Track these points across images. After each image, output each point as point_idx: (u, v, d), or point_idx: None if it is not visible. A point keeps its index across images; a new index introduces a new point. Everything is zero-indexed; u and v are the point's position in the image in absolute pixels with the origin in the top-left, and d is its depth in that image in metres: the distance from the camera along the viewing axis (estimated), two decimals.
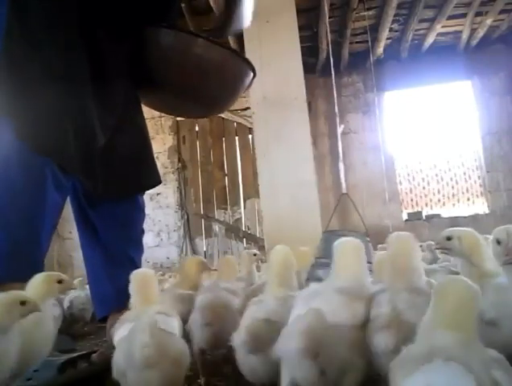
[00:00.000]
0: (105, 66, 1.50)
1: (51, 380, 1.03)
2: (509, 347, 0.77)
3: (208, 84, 1.68)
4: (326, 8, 5.32)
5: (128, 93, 1.62)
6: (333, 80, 4.29)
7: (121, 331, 0.94)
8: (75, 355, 1.21)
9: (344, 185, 3.95)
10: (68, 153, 1.38)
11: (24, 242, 1.29)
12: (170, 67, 1.61)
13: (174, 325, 0.93)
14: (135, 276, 1.11)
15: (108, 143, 1.49)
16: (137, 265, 1.79)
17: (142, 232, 1.84)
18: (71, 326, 1.95)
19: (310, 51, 6.84)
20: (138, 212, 1.80)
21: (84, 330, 2.10)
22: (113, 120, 1.51)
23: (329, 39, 4.72)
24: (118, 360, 0.86)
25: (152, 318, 0.88)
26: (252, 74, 1.81)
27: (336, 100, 4.34)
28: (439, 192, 8.50)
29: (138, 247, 1.81)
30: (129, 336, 0.86)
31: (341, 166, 4.07)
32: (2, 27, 1.32)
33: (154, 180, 1.79)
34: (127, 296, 1.67)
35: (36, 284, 1.08)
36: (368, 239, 2.19)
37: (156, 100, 1.85)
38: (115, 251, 1.69)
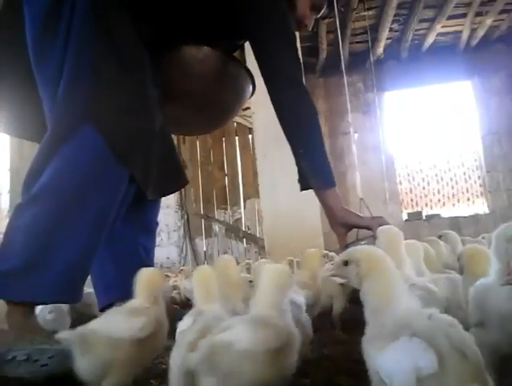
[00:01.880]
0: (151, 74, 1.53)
1: (66, 367, 1.01)
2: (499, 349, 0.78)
3: (223, 98, 1.72)
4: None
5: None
6: (345, 79, 4.29)
7: (185, 323, 0.96)
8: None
9: (359, 189, 3.95)
10: (147, 167, 1.40)
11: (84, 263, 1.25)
12: (187, 78, 1.64)
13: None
14: (196, 273, 1.13)
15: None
16: (151, 256, 1.80)
17: (157, 224, 1.87)
18: (79, 321, 1.94)
19: (310, 51, 6.84)
20: (159, 206, 1.84)
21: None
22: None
23: (339, 33, 4.70)
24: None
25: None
26: (252, 90, 1.84)
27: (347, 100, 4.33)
28: (439, 192, 8.50)
29: (154, 238, 1.87)
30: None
31: (357, 174, 4.09)
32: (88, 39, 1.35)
33: (185, 178, 1.82)
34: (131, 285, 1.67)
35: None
36: None
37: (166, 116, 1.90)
38: (129, 241, 1.68)
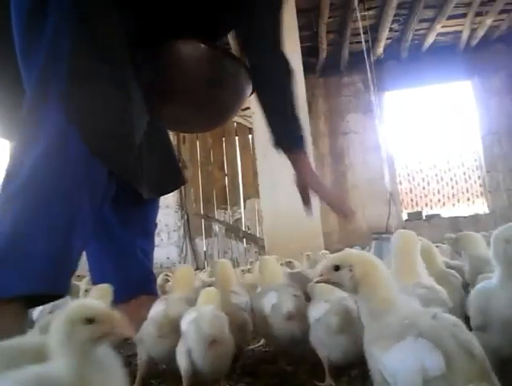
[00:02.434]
0: (141, 72, 1.51)
1: None
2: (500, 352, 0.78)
3: (222, 97, 1.70)
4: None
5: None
6: (372, 75, 4.29)
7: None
8: None
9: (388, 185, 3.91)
10: (128, 164, 1.37)
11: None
12: (186, 77, 1.61)
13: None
14: (215, 265, 1.27)
15: (145, 144, 1.50)
16: (150, 258, 1.80)
17: (156, 225, 1.90)
18: None
19: (310, 51, 6.84)
20: (157, 208, 1.85)
21: None
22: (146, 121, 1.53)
23: (361, 28, 4.70)
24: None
25: None
26: (251, 85, 1.82)
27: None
28: (439, 192, 8.50)
29: (152, 240, 1.88)
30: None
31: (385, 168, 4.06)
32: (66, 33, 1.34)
33: (183, 177, 1.82)
34: (135, 286, 1.66)
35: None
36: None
37: (166, 112, 1.87)
38: (127, 244, 1.68)
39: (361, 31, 4.78)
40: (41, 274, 1.09)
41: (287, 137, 1.67)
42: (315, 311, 1.12)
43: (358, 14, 5.18)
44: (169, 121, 1.98)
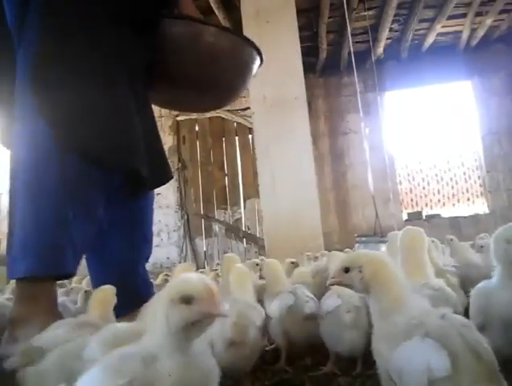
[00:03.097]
0: (128, 61, 1.50)
1: None
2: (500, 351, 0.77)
3: (221, 73, 1.65)
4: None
5: (143, 89, 1.62)
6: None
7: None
8: None
9: (372, 189, 3.92)
10: (130, 157, 1.41)
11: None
12: (182, 58, 1.58)
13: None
14: (233, 271, 1.25)
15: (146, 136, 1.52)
16: (144, 267, 1.78)
17: (152, 234, 1.86)
18: None
19: (310, 51, 6.84)
20: (152, 210, 1.84)
21: None
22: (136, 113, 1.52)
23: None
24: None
25: None
26: (260, 60, 1.77)
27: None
28: (439, 192, 8.50)
29: (150, 246, 1.82)
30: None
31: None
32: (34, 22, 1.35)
33: (170, 173, 1.81)
34: (134, 301, 1.66)
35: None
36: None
37: (168, 97, 1.82)
38: (128, 260, 1.68)
39: (349, 30, 4.76)
40: (40, 260, 1.26)
41: None
42: (327, 305, 1.15)
43: (347, 14, 5.17)
44: (172, 103, 1.96)
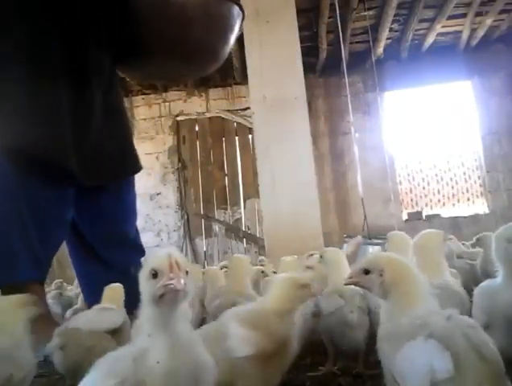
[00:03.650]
0: (81, 52, 1.45)
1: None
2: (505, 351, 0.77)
3: (199, 33, 1.55)
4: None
5: (105, 75, 1.55)
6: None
7: None
8: None
9: (361, 190, 3.92)
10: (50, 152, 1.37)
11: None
12: (153, 27, 1.50)
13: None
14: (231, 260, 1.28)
15: (86, 130, 1.45)
16: (134, 268, 1.74)
17: (133, 227, 1.79)
18: None
19: (310, 51, 6.83)
20: (124, 209, 1.74)
21: None
22: (88, 108, 1.47)
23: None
24: None
25: None
26: (240, 13, 1.66)
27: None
28: (439, 192, 8.49)
29: (135, 249, 1.75)
30: None
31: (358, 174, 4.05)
32: None
33: (136, 166, 1.74)
34: (128, 301, 1.66)
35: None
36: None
37: (149, 70, 1.75)
38: (108, 258, 1.66)
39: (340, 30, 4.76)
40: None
41: None
42: (329, 305, 1.15)
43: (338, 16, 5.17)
44: (157, 76, 1.88)
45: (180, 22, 1.50)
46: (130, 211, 1.77)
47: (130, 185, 1.76)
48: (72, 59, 1.43)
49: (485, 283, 0.91)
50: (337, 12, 4.78)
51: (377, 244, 2.56)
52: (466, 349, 0.60)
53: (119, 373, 0.58)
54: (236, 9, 1.63)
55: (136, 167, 1.74)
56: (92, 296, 1.67)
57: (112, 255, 1.66)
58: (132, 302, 1.65)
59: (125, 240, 1.72)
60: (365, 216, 4.18)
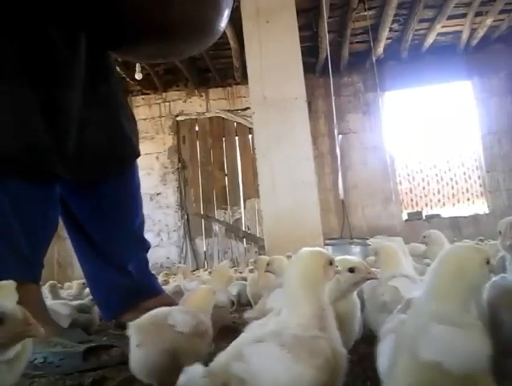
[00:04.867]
0: (55, 47, 1.36)
1: (77, 367, 1.15)
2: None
3: (188, 8, 1.44)
4: (324, 8, 5.30)
5: (91, 64, 1.47)
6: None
7: None
8: (94, 344, 1.26)
9: (342, 192, 3.93)
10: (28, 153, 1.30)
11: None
12: (139, 8, 1.40)
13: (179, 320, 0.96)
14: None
15: (67, 127, 1.38)
16: (141, 261, 1.71)
17: (140, 223, 1.72)
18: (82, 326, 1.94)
19: (310, 51, 6.84)
20: (126, 199, 1.67)
21: (98, 327, 2.08)
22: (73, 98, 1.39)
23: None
24: None
25: None
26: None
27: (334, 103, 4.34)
28: (439, 192, 8.49)
29: (137, 243, 1.71)
30: None
31: (339, 175, 4.06)
32: None
33: (131, 155, 1.64)
34: (132, 296, 1.63)
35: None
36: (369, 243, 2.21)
37: (144, 52, 1.67)
38: (111, 254, 1.63)
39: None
40: None
41: None
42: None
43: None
44: (152, 55, 1.77)
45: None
46: (132, 201, 1.69)
47: (131, 174, 1.68)
48: (38, 53, 1.33)
49: (494, 278, 0.89)
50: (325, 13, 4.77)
51: (358, 244, 2.56)
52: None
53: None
54: None
55: (132, 157, 1.64)
56: (100, 293, 1.68)
57: (112, 249, 1.62)
58: (123, 299, 1.65)
59: (127, 233, 1.66)
60: (345, 218, 4.17)
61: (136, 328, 0.87)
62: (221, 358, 0.63)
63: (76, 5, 1.39)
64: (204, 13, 1.49)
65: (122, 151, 1.59)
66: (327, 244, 2.50)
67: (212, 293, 1.09)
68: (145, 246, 1.74)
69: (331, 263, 0.72)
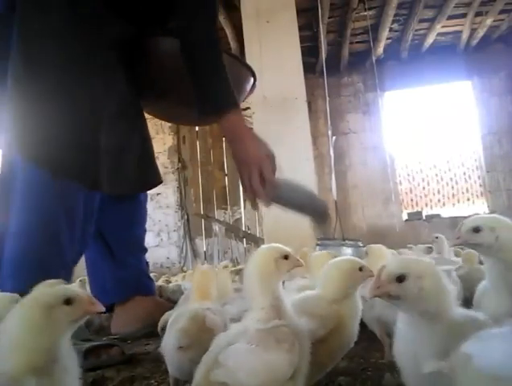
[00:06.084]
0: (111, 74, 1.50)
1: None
2: None
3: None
4: (321, 8, 5.30)
5: (128, 97, 1.60)
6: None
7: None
8: (94, 344, 1.27)
9: (334, 192, 3.91)
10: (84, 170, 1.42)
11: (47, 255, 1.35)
12: (170, 75, 1.58)
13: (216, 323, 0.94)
14: (195, 273, 1.14)
15: (110, 143, 1.49)
16: (140, 262, 1.83)
17: (145, 231, 1.90)
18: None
19: (310, 51, 6.84)
20: (141, 212, 1.85)
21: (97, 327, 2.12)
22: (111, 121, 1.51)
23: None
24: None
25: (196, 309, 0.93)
26: (252, 79, 1.78)
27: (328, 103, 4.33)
28: (439, 192, 8.50)
29: (141, 246, 1.86)
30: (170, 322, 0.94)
31: (333, 176, 4.05)
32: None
33: (156, 180, 1.81)
34: (128, 289, 1.72)
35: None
36: (361, 244, 2.21)
37: (160, 110, 1.88)
38: (118, 248, 1.74)
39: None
40: (26, 278, 1.24)
41: (212, 98, 1.47)
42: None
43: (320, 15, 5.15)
44: (167, 116, 1.96)
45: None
46: (145, 214, 1.86)
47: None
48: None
49: None
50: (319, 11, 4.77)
51: (350, 246, 2.57)
52: None
53: None
54: (249, 74, 1.73)
55: (157, 184, 1.80)
56: (97, 280, 1.77)
57: (117, 245, 1.73)
58: (123, 290, 1.72)
59: (138, 243, 1.83)
60: (338, 218, 4.16)
61: (180, 331, 0.88)
62: (201, 369, 0.66)
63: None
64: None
65: (152, 178, 1.77)
66: (318, 245, 2.50)
67: (214, 272, 1.14)
68: (145, 250, 1.88)
69: (286, 257, 0.75)
